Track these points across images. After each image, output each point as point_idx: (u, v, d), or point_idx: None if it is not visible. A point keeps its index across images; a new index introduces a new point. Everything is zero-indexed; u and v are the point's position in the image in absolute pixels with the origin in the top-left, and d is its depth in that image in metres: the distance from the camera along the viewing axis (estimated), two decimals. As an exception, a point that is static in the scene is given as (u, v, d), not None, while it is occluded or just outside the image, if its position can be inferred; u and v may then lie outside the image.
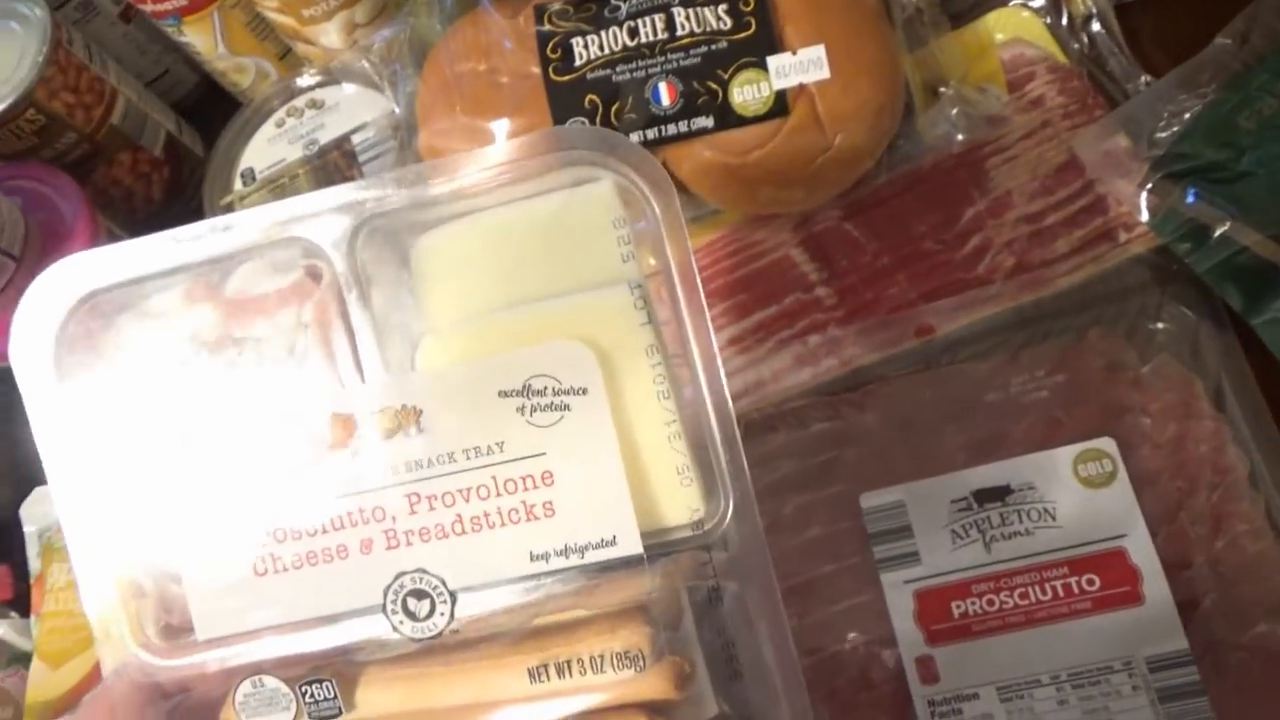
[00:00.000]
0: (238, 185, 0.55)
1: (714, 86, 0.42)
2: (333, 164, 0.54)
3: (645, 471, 0.24)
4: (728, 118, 0.42)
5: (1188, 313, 0.44)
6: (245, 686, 0.25)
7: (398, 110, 0.50)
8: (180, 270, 0.27)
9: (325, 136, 0.54)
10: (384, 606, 0.24)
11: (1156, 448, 0.43)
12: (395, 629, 0.24)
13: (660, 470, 0.25)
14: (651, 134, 0.42)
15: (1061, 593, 0.41)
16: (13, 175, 0.51)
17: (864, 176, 0.46)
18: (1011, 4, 0.52)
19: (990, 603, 0.42)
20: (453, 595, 0.24)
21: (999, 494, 0.43)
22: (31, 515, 0.54)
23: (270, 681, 0.25)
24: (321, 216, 0.26)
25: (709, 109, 0.42)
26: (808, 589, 0.44)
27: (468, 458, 0.24)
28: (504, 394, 0.24)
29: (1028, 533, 0.42)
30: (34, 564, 0.53)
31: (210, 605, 0.25)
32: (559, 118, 0.42)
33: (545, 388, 0.24)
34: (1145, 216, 0.43)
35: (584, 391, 0.24)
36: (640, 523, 0.24)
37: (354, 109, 0.54)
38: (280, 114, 0.56)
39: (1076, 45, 0.50)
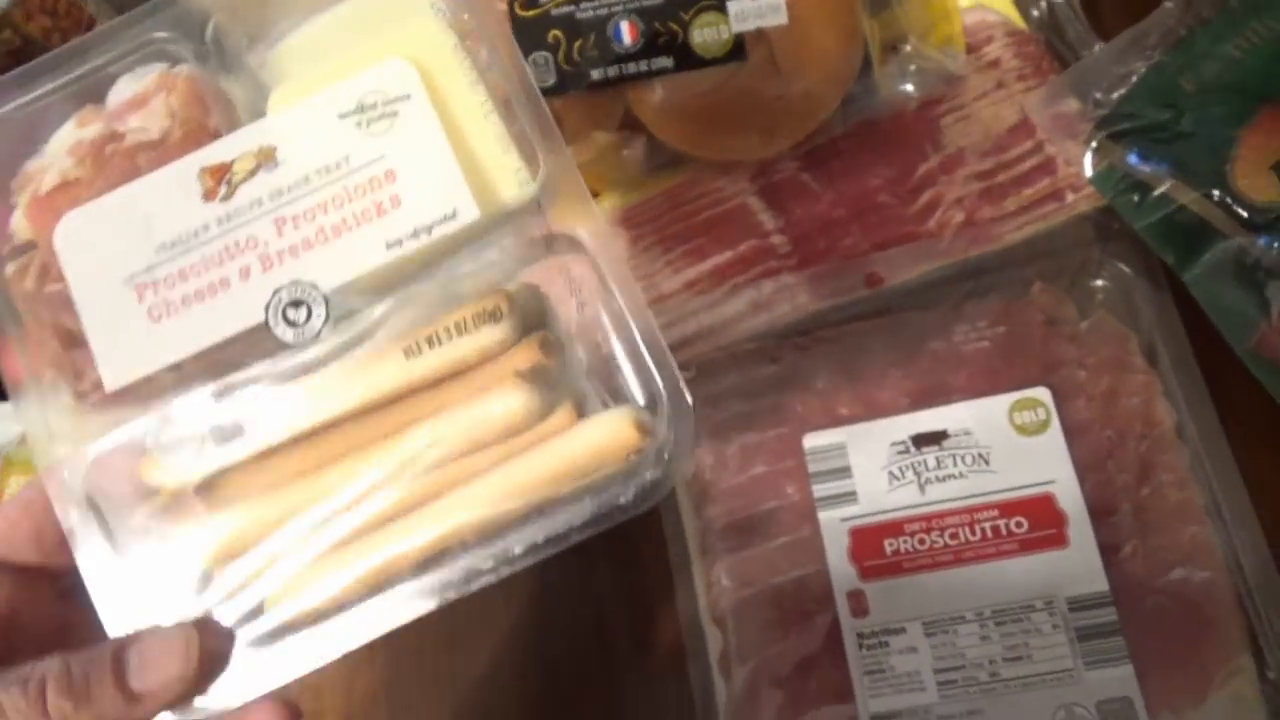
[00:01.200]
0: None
1: (674, 27, 0.43)
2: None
3: (471, 150, 0.29)
4: (687, 58, 0.43)
5: (1126, 270, 0.45)
6: (152, 425, 0.28)
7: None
8: (62, 93, 0.30)
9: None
10: (267, 321, 0.28)
11: (1090, 399, 0.44)
12: (280, 339, 0.27)
13: (483, 146, 0.29)
14: (613, 72, 0.43)
15: (990, 534, 0.43)
16: (-13, 94, 0.51)
17: (821, 128, 0.47)
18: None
19: (921, 542, 0.43)
20: (326, 298, 0.28)
21: (936, 438, 0.44)
22: (-7, 433, 0.55)
23: (173, 414, 0.28)
24: (175, 12, 0.31)
25: (669, 49, 0.43)
26: (749, 524, 0.45)
27: (320, 177, 0.28)
28: (342, 115, 0.28)
29: (961, 476, 0.44)
30: (-6, 481, 0.54)
31: (114, 357, 0.28)
32: (524, 52, 0.43)
33: (375, 102, 0.28)
34: (1089, 173, 0.44)
35: (408, 97, 0.28)
36: (477, 199, 0.28)
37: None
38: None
39: (1036, 12, 0.52)
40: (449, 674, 0.47)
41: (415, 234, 0.28)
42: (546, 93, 0.43)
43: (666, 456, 0.28)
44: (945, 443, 0.44)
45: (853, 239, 0.48)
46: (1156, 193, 0.43)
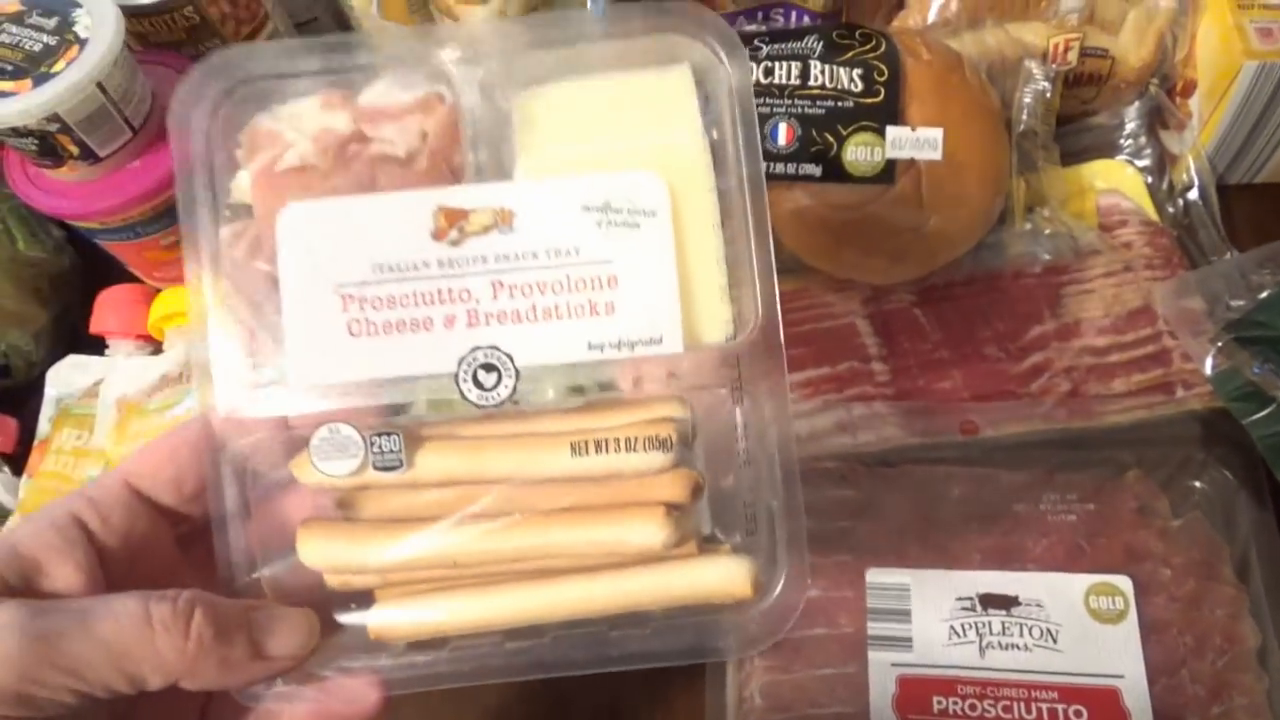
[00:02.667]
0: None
1: (830, 139, 0.43)
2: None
3: (693, 287, 0.29)
4: (835, 171, 0.44)
5: (1229, 477, 0.44)
6: (322, 432, 0.28)
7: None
8: (319, 74, 0.30)
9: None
10: (456, 375, 0.28)
11: (1172, 600, 0.42)
12: (464, 395, 0.28)
13: (706, 288, 0.29)
14: (760, 168, 0.44)
15: (1046, 716, 0.40)
16: (156, 59, 0.53)
17: (946, 268, 0.48)
18: (1118, 158, 0.54)
19: (973, 707, 0.41)
20: (518, 371, 0.28)
21: (1006, 602, 0.43)
22: (57, 379, 0.54)
23: (345, 429, 0.28)
24: (452, 47, 0.30)
25: (820, 159, 0.44)
26: (795, 647, 0.43)
27: (549, 257, 0.28)
28: (586, 207, 0.28)
29: (1026, 648, 0.42)
30: (44, 427, 0.54)
31: (306, 357, 0.28)
32: (678, 131, 0.44)
33: (622, 207, 0.28)
34: (1209, 371, 0.44)
35: (654, 214, 0.28)
36: (684, 333, 0.28)
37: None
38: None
39: (1172, 210, 0.52)
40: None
41: (619, 345, 0.28)
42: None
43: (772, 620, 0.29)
44: (1014, 609, 0.42)
45: (953, 384, 0.48)
46: (1278, 405, 0.42)
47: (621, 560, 0.28)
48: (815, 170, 0.44)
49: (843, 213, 0.44)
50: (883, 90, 0.43)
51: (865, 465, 0.46)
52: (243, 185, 0.29)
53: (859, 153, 0.43)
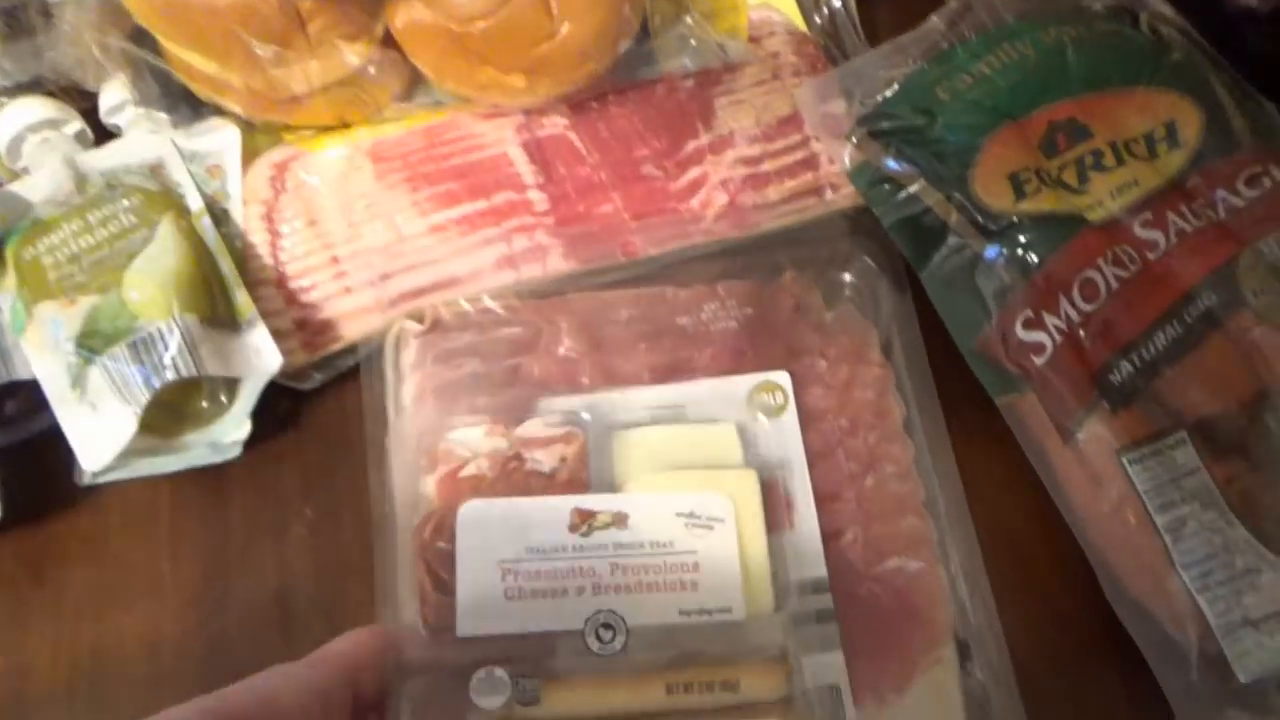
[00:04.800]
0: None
1: (443, -58, 0.40)
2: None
3: (748, 570, 0.38)
4: (453, -22, 0.40)
5: (872, 266, 0.45)
6: (480, 673, 0.35)
7: None
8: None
9: None
10: (584, 630, 0.36)
11: (828, 388, 0.44)
12: (586, 645, 0.36)
13: (758, 572, 0.39)
14: (370, -22, 0.40)
15: (717, 514, 0.41)
16: None
17: (591, 84, 0.46)
18: (765, -28, 0.54)
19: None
20: (629, 629, 0.36)
21: (674, 414, 0.43)
22: None
23: (498, 672, 0.35)
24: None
25: (435, -36, 0.40)
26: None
27: (652, 547, 0.38)
28: (678, 514, 0.38)
29: (696, 452, 0.42)
30: None
31: (473, 611, 0.36)
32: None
33: (702, 515, 0.38)
34: (847, 167, 0.45)
35: (722, 521, 0.39)
36: (747, 606, 0.38)
37: None
38: None
39: (818, 19, 0.53)
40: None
41: (701, 612, 0.37)
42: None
43: None
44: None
45: (614, 206, 0.46)
46: (906, 192, 0.44)
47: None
48: (431, -23, 0.40)
49: (469, 25, 0.41)
50: (494, -115, 0.40)
51: (530, 299, 0.45)
52: (430, 489, 0.39)
53: (477, -44, 0.40)
